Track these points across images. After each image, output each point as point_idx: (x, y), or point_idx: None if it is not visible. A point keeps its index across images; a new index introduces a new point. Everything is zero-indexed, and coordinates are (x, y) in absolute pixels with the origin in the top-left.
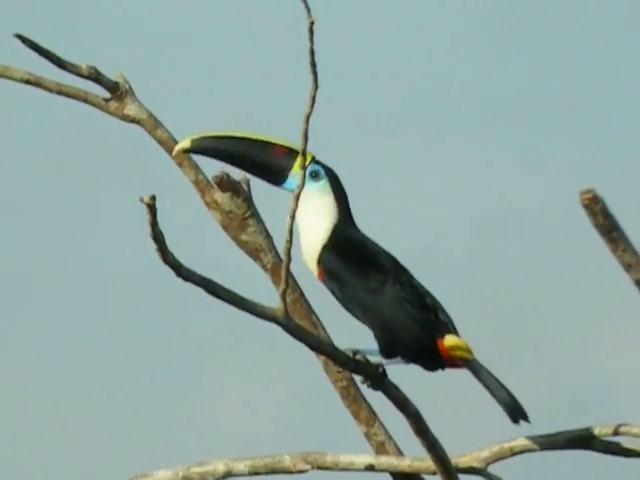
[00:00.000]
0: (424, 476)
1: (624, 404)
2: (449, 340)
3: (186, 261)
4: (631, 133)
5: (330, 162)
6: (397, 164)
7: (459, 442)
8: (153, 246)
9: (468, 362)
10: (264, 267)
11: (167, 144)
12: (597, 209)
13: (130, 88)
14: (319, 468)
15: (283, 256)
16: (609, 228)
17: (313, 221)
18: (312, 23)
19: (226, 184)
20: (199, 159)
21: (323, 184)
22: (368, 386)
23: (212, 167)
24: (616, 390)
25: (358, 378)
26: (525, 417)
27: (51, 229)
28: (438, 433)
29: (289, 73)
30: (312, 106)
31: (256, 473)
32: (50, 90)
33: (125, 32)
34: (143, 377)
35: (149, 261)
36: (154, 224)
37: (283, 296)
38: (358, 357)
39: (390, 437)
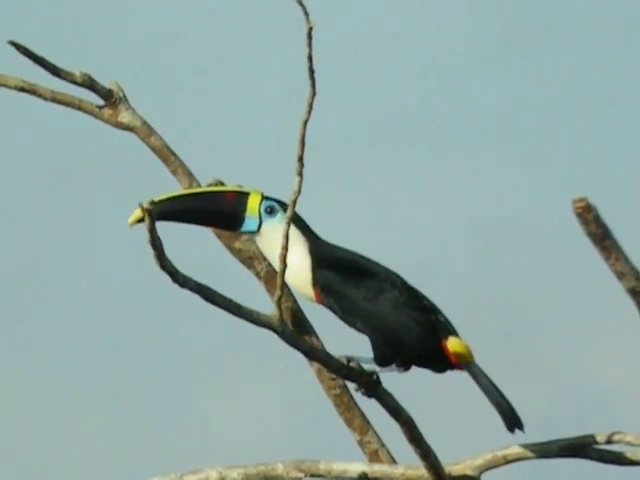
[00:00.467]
0: None
1: (621, 412)
2: (452, 341)
3: (180, 268)
4: (631, 142)
5: (332, 173)
6: (398, 173)
7: (452, 450)
8: (151, 252)
9: (468, 364)
10: (258, 275)
11: (161, 151)
12: (589, 217)
13: (124, 95)
14: (312, 476)
15: (278, 263)
16: (601, 236)
17: (288, 256)
18: (311, 29)
19: None
20: (193, 166)
21: (280, 216)
22: (362, 393)
23: (206, 174)
24: (614, 398)
25: (351, 385)
26: (520, 426)
27: (50, 238)
28: (431, 441)
29: (286, 79)
30: (309, 112)
31: None
32: (44, 97)
33: (119, 40)
34: (140, 385)
35: (148, 269)
36: (152, 230)
37: (278, 303)
38: (352, 364)
39: (383, 445)
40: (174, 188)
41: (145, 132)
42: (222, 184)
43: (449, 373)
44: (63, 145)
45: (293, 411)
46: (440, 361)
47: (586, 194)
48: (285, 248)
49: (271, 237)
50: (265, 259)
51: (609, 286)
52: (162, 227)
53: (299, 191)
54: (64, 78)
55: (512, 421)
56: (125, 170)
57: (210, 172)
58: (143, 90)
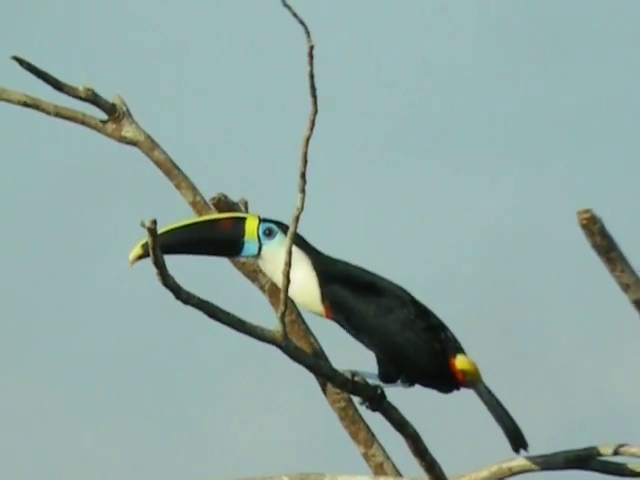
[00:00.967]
0: None
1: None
2: (460, 360)
3: (184, 282)
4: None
5: (343, 182)
6: (409, 184)
7: (457, 463)
8: (154, 270)
9: (475, 383)
10: (262, 288)
11: (164, 166)
12: (595, 229)
13: (127, 110)
14: None
15: (282, 278)
16: (607, 248)
17: (293, 274)
18: (312, 47)
19: (223, 205)
20: (196, 181)
21: (279, 238)
22: (366, 407)
23: (210, 188)
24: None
25: (356, 399)
26: (525, 446)
27: (62, 253)
28: (436, 454)
29: (289, 95)
30: (312, 129)
31: None
32: (48, 112)
33: (122, 54)
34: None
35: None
36: (155, 248)
37: (282, 318)
38: (357, 379)
39: (388, 458)
40: (179, 202)
41: (148, 146)
42: (226, 198)
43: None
44: (68, 160)
45: (298, 424)
46: (447, 380)
47: (601, 206)
48: (288, 264)
49: (272, 259)
50: None
51: (623, 298)
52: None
53: (302, 208)
54: (67, 93)
55: (517, 441)
56: (132, 185)
57: (214, 186)
58: (146, 104)
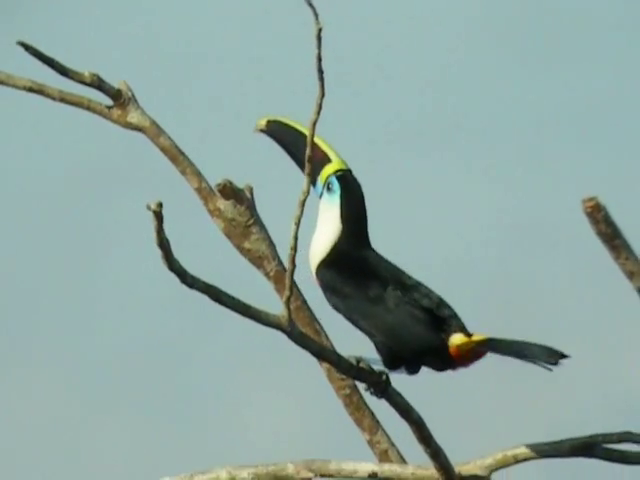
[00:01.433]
0: None
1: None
2: (457, 339)
3: (190, 269)
4: None
5: (357, 174)
6: (423, 175)
7: (462, 449)
8: (159, 253)
9: (484, 345)
10: (267, 275)
11: (170, 152)
12: (599, 217)
13: (133, 96)
14: (322, 476)
15: (287, 263)
16: (611, 236)
17: (318, 234)
18: (320, 30)
19: (229, 191)
20: (202, 167)
21: (333, 199)
22: (371, 393)
23: (215, 175)
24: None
25: (361, 386)
26: (562, 355)
27: (73, 246)
28: (441, 440)
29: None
30: (318, 113)
31: None
32: (53, 98)
33: (128, 39)
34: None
35: (171, 274)
36: (160, 231)
37: (287, 303)
38: (361, 365)
39: (393, 445)
40: (184, 188)
41: (154, 132)
42: (231, 184)
43: (459, 371)
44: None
45: (303, 411)
46: (441, 359)
47: (607, 194)
48: (294, 249)
49: (322, 210)
50: (274, 259)
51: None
52: (171, 228)
53: (308, 192)
54: (73, 78)
55: (551, 358)
56: (139, 171)
57: (219, 172)
58: (152, 90)
